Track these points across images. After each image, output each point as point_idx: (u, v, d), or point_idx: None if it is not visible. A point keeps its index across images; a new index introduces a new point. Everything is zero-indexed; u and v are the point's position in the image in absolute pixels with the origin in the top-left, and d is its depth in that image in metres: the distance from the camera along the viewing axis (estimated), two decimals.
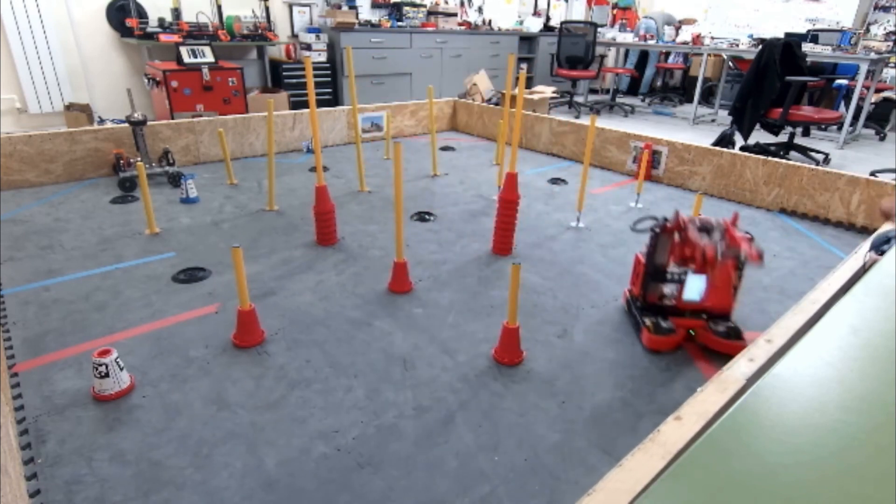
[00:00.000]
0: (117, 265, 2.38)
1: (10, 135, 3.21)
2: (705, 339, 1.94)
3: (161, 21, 5.10)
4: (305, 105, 5.37)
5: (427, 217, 3.06)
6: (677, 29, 7.16)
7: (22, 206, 3.02)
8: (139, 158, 3.37)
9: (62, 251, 2.50)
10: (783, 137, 5.10)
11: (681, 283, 1.95)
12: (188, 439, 1.45)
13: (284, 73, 5.89)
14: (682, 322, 1.95)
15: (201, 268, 2.38)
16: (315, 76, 6.00)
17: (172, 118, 4.59)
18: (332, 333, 1.94)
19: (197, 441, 1.44)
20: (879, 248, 1.94)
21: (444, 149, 4.64)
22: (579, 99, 7.48)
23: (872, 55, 5.30)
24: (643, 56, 8.47)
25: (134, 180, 3.27)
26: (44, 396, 1.58)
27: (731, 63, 7.20)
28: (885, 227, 2.00)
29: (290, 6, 6.18)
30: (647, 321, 1.94)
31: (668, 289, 1.98)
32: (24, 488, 1.26)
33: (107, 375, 1.56)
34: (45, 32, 4.78)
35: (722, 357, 1.85)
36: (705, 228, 1.87)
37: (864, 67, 5.44)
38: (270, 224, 2.89)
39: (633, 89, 8.86)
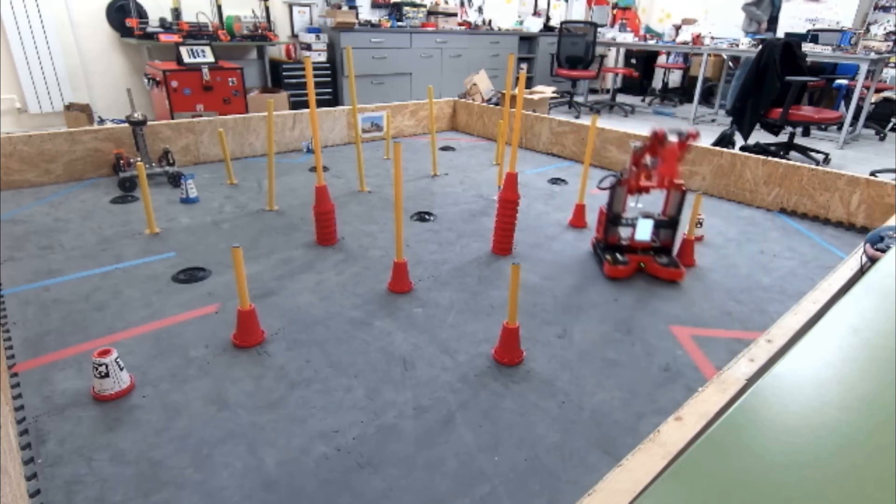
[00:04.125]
0: (117, 265, 2.38)
1: (10, 135, 3.21)
2: (652, 269, 2.38)
3: (161, 21, 5.10)
4: (305, 105, 5.37)
5: (427, 217, 3.06)
6: (677, 29, 7.15)
7: (22, 206, 3.02)
8: (139, 158, 3.37)
9: (62, 251, 2.50)
10: (783, 137, 5.10)
11: (633, 226, 2.41)
12: (188, 439, 1.45)
13: (284, 73, 5.88)
14: (634, 258, 2.41)
15: (201, 268, 2.38)
16: (315, 76, 5.99)
17: (172, 118, 4.59)
18: (332, 333, 1.94)
19: (197, 441, 1.44)
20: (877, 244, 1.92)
21: (444, 149, 4.64)
22: (579, 99, 7.48)
23: (872, 55, 5.30)
24: (648, 57, 8.47)
25: (134, 180, 3.27)
26: (44, 396, 1.59)
27: (731, 63, 7.21)
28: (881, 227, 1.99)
29: (290, 6, 6.18)
30: (608, 256, 2.39)
31: (623, 232, 2.47)
32: (24, 488, 1.26)
33: (107, 375, 1.56)
34: (45, 32, 4.77)
35: (665, 283, 2.34)
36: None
37: (864, 67, 5.44)
38: (270, 224, 2.89)
39: (631, 90, 8.87)
